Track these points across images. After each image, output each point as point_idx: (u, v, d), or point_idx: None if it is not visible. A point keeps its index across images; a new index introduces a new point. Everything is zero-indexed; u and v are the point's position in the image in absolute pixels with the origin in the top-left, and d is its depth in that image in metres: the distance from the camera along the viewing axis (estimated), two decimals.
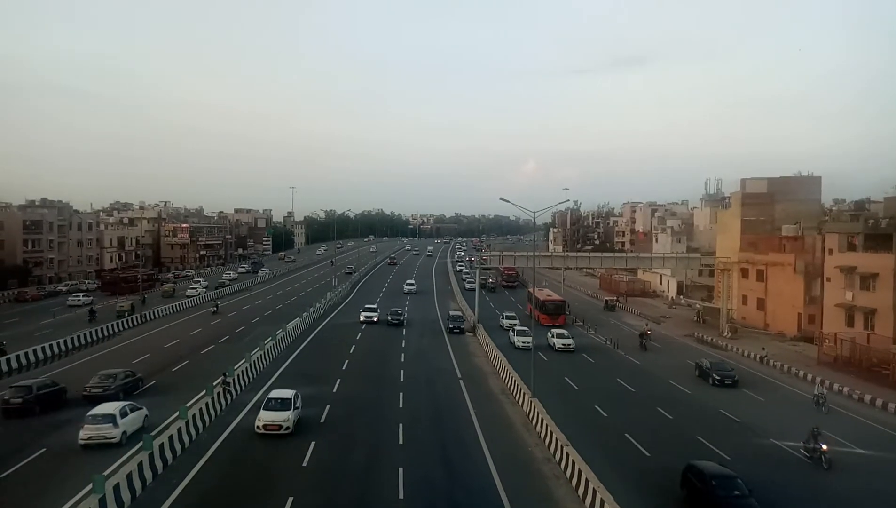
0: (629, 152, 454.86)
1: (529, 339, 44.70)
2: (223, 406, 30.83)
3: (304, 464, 23.99)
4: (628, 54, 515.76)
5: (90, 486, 19.07)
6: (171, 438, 24.13)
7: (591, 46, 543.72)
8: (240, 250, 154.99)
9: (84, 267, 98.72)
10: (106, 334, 51.19)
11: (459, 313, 64.46)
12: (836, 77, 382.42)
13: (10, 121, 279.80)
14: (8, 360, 39.41)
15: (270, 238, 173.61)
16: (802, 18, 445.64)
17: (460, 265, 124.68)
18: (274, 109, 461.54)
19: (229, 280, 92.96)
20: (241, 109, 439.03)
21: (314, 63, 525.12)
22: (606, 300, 79.90)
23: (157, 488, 21.24)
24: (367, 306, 63.35)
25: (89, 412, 25.71)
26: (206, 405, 28.96)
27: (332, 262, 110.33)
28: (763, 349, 49.98)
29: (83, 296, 71.64)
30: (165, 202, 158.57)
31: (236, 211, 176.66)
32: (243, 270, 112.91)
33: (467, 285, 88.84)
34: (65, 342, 45.49)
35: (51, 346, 43.57)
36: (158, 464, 22.58)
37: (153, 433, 24.41)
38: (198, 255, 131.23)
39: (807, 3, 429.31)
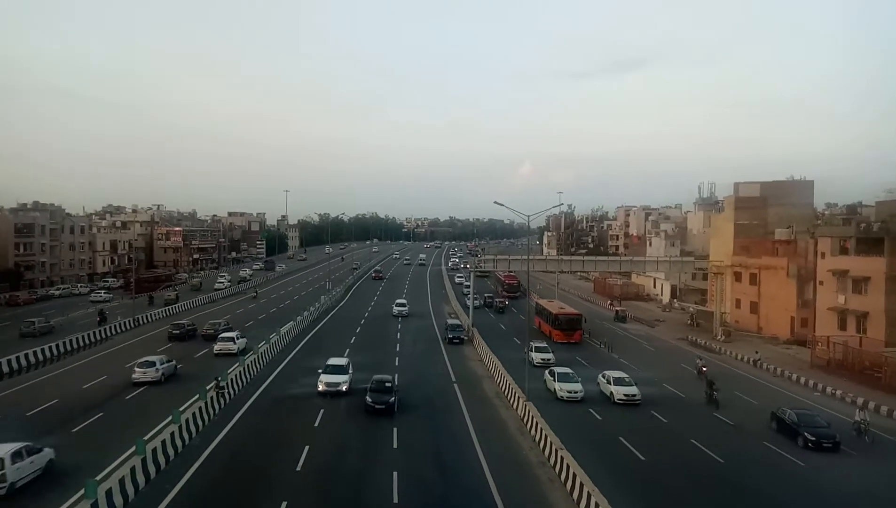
0: (624, 156, 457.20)
1: (578, 387, 35.61)
2: (216, 411, 30.70)
3: (298, 468, 23.88)
4: (623, 58, 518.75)
5: (82, 491, 18.91)
6: (163, 442, 23.99)
7: (587, 49, 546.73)
8: (233, 254, 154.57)
9: (76, 271, 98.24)
10: (175, 311, 67.49)
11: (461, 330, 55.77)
12: (829, 82, 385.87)
13: (1, 122, 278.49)
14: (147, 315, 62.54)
15: (264, 242, 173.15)
16: (798, 23, 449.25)
17: (459, 277, 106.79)
18: (268, 112, 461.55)
19: (248, 276, 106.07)
20: (235, 112, 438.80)
21: (308, 66, 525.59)
22: (616, 311, 72.93)
23: (150, 493, 21.09)
24: (330, 363, 36.68)
25: (219, 337, 46.55)
26: (200, 409, 28.82)
27: (342, 258, 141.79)
28: (756, 352, 50.15)
29: (104, 293, 78.87)
30: (158, 205, 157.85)
31: (230, 214, 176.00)
32: (258, 267, 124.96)
33: (470, 301, 68.62)
34: (146, 317, 62.08)
35: (148, 316, 62.34)
36: (151, 469, 22.44)
37: (146, 438, 24.23)
38: (191, 258, 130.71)
39: (802, 8, 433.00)
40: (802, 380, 42.23)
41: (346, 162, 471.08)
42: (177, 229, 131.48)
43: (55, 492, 20.57)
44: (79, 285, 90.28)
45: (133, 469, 21.20)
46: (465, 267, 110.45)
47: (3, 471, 20.44)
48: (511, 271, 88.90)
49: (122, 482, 20.17)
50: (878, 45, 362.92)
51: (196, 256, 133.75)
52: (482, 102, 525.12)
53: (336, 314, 68.76)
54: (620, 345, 54.68)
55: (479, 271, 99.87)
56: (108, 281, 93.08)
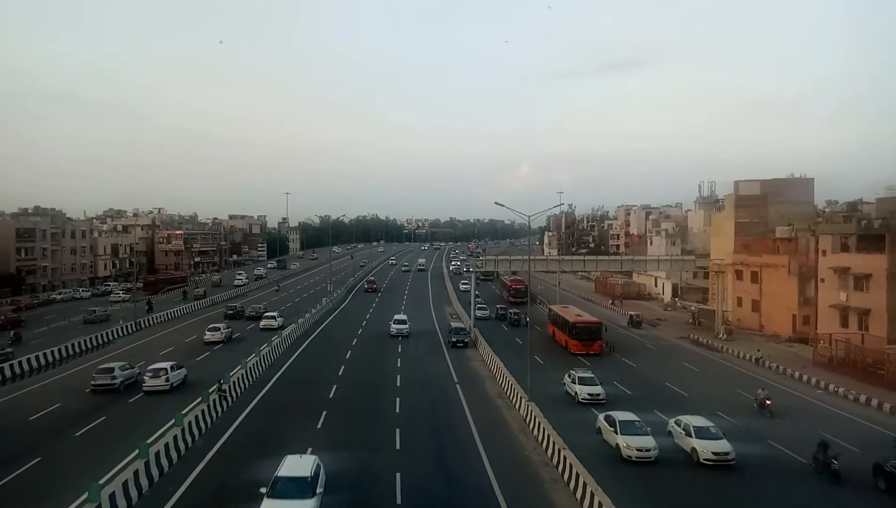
0: (624, 155, 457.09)
1: (651, 442, 25.93)
2: (219, 413, 30.74)
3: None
4: (623, 58, 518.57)
5: (86, 494, 18.95)
6: (166, 445, 24.04)
7: (586, 50, 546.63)
8: (234, 257, 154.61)
9: (78, 275, 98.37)
10: (210, 303, 78.08)
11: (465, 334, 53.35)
12: (828, 81, 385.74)
13: (1, 127, 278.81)
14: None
15: (265, 244, 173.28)
16: (797, 22, 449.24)
17: (465, 284, 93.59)
18: (269, 115, 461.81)
19: (264, 274, 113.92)
20: (236, 115, 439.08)
21: (307, 69, 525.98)
22: (631, 316, 66.72)
23: (153, 496, 21.13)
24: (282, 474, 19.92)
25: (264, 315, 60.29)
26: (203, 412, 28.88)
27: (351, 256, 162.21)
28: (758, 350, 50.11)
29: (123, 293, 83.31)
30: (159, 209, 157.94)
31: (231, 217, 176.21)
32: (271, 266, 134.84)
33: (479, 313, 63.92)
34: (184, 309, 71.88)
35: (189, 307, 74.00)
36: (154, 472, 22.47)
37: (149, 442, 24.26)
38: (192, 262, 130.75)
39: (800, 8, 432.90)
40: (805, 378, 42.21)
41: (347, 164, 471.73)
42: (178, 232, 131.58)
43: (188, 393, 34.51)
44: (80, 289, 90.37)
45: (136, 473, 21.23)
46: (468, 271, 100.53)
47: (167, 375, 35.87)
48: (517, 276, 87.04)
49: (125, 485, 20.21)
50: (875, 45, 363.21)
51: (197, 259, 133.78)
52: (482, 103, 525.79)
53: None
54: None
55: (483, 275, 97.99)
56: (127, 284, 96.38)
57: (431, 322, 65.80)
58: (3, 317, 61.04)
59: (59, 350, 45.84)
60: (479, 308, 66.90)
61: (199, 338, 51.52)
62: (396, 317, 59.06)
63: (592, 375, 36.88)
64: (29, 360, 42.34)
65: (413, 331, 56.85)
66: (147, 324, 61.40)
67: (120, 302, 77.32)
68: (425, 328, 61.29)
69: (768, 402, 34.17)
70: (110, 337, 53.64)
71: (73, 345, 47.75)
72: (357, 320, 66.40)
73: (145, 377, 35.62)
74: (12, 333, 52.95)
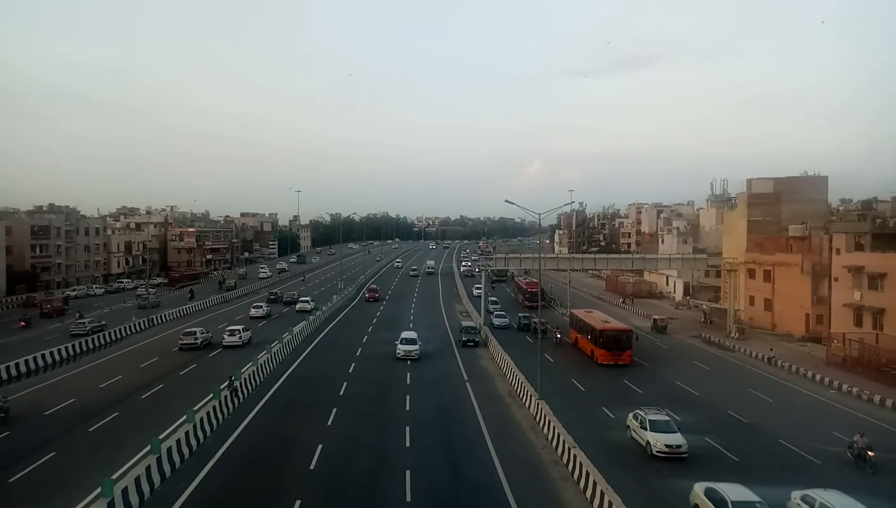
0: (634, 153, 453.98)
1: None
2: (230, 410, 30.96)
3: (312, 467, 24.03)
4: (633, 55, 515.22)
5: (98, 489, 19.17)
6: (178, 441, 24.25)
7: (595, 47, 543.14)
8: (246, 254, 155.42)
9: (91, 272, 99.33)
10: (242, 293, 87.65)
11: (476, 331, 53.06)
12: (841, 75, 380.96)
13: (16, 127, 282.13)
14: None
15: (276, 242, 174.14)
16: (807, 16, 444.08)
17: (478, 288, 76.20)
18: (280, 114, 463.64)
19: (286, 267, 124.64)
20: (247, 114, 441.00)
21: (317, 68, 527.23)
22: (655, 320, 62.64)
23: (165, 491, 21.34)
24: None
25: (299, 300, 72.76)
26: (214, 408, 29.10)
27: (368, 251, 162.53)
28: (771, 349, 49.72)
29: (150, 287, 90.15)
30: (172, 207, 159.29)
31: (242, 215, 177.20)
32: (293, 261, 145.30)
33: (497, 321, 60.75)
34: (219, 297, 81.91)
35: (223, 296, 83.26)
36: (166, 468, 22.68)
37: (161, 437, 24.51)
38: (204, 259, 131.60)
39: (812, 3, 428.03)
40: (818, 377, 41.83)
41: (357, 162, 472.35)
42: (190, 229, 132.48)
43: (254, 347, 46.25)
44: (94, 286, 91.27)
45: (148, 468, 21.44)
46: (479, 271, 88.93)
47: (240, 335, 48.98)
48: (529, 278, 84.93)
49: (137, 480, 20.42)
50: (888, 37, 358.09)
51: (209, 256, 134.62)
52: (491, 101, 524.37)
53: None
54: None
55: (496, 275, 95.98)
56: (156, 279, 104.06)
57: (445, 336, 56.15)
58: (50, 306, 69.22)
59: (135, 325, 57.62)
60: (498, 315, 63.09)
61: (246, 316, 64.49)
62: (404, 335, 47.20)
63: (668, 417, 27.95)
64: (113, 331, 53.72)
65: (426, 352, 46.56)
66: (192, 310, 71.17)
67: (148, 296, 78.78)
68: (436, 346, 50.68)
69: (871, 454, 25.72)
70: (168, 318, 64.54)
71: (144, 321, 59.28)
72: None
73: (224, 336, 49.19)
74: (77, 314, 61.81)
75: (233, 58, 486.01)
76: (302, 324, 55.51)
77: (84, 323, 54.52)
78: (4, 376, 38.85)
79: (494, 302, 66.11)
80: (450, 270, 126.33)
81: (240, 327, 50.79)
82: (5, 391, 33.58)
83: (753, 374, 44.18)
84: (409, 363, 44.00)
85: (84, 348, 48.07)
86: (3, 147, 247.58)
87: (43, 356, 43.12)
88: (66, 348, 46.19)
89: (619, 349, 44.98)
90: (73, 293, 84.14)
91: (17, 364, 40.53)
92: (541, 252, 53.53)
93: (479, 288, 74.41)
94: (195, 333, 48.71)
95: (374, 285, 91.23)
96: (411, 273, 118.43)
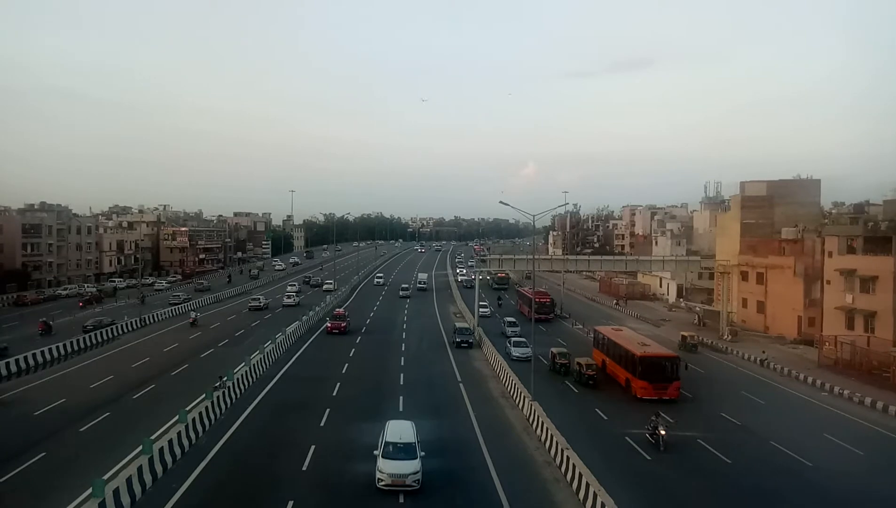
0: (629, 155, 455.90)
1: None
2: (223, 410, 30.80)
3: (304, 468, 23.94)
4: (628, 57, 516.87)
5: (90, 490, 19.02)
6: (170, 442, 24.10)
7: (591, 49, 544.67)
8: (239, 254, 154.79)
9: (83, 271, 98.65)
10: (264, 282, 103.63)
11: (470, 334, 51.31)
12: (836, 80, 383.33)
13: (8, 124, 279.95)
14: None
15: (270, 242, 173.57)
16: (803, 22, 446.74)
17: (483, 307, 66.36)
18: (274, 113, 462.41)
19: (300, 261, 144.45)
20: (240, 113, 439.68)
21: (312, 67, 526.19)
22: (684, 337, 52.86)
23: (157, 492, 21.20)
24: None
25: (324, 282, 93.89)
26: (206, 408, 28.95)
27: (375, 248, 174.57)
28: (763, 352, 49.91)
29: (166, 282, 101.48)
30: (165, 206, 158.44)
31: (235, 215, 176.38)
32: (306, 255, 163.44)
33: (517, 352, 46.10)
34: (244, 286, 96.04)
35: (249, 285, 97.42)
36: (158, 468, 22.53)
37: (153, 437, 24.36)
38: (197, 258, 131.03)
39: (807, 7, 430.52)
40: (810, 380, 42.02)
41: (352, 162, 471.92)
42: (183, 229, 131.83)
43: (303, 307, 68.24)
44: (85, 285, 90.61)
45: (140, 469, 21.30)
46: (475, 277, 73.46)
47: (295, 297, 75.88)
48: (539, 287, 73.94)
49: (129, 481, 20.28)
50: (882, 43, 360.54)
51: (202, 256, 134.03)
52: (487, 102, 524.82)
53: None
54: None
55: (497, 283, 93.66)
56: (174, 275, 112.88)
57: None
58: (89, 295, 77.60)
59: (204, 301, 76.67)
60: (517, 343, 47.79)
61: (283, 294, 79.56)
62: (392, 427, 24.57)
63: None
64: (207, 298, 78.47)
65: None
66: (237, 292, 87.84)
67: (164, 289, 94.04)
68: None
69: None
70: (223, 297, 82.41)
71: (210, 298, 79.27)
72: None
73: (284, 297, 74.53)
74: (174, 295, 78.68)
75: (228, 57, 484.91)
76: (296, 324, 55.13)
77: (180, 295, 78.19)
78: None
79: (512, 323, 56.09)
80: (445, 282, 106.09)
81: (295, 290, 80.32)
82: None
83: (745, 376, 44.34)
84: (402, 362, 43.71)
85: (184, 309, 68.63)
86: None
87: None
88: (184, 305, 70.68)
89: (663, 381, 36.19)
90: (64, 292, 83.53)
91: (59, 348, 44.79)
92: (535, 253, 53.43)
93: (485, 307, 67.76)
94: (259, 299, 72.19)
95: (342, 310, 62.26)
96: (401, 293, 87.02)
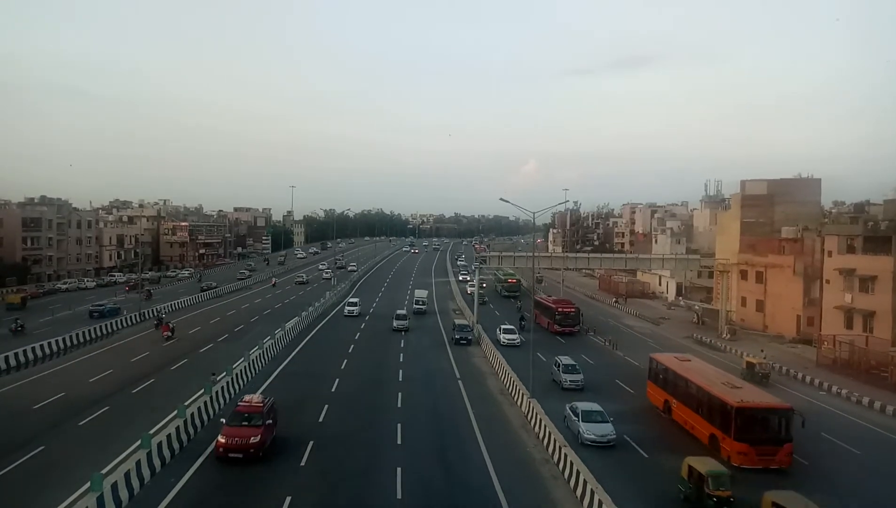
0: (629, 153, 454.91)
1: None
2: (221, 405, 30.83)
3: (302, 464, 23.98)
4: (629, 55, 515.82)
5: (88, 484, 19.04)
6: (168, 437, 24.12)
7: (592, 47, 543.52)
8: (239, 249, 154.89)
9: (83, 265, 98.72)
10: (288, 269, 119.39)
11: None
12: (837, 80, 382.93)
13: (8, 119, 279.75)
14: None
15: (270, 237, 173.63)
16: (805, 22, 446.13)
17: (509, 333, 51.20)
18: (275, 109, 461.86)
19: (319, 251, 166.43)
20: (240, 108, 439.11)
21: (313, 62, 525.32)
22: (750, 364, 41.31)
23: (155, 486, 21.22)
24: None
25: (348, 265, 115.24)
26: (205, 403, 28.99)
27: (389, 241, 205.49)
28: (762, 350, 49.87)
29: (186, 273, 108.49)
30: (165, 201, 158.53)
31: (236, 210, 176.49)
32: (315, 249, 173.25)
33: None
34: (273, 270, 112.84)
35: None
36: (156, 463, 22.55)
37: (151, 432, 24.40)
38: (197, 253, 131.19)
39: (809, 8, 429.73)
40: (808, 379, 42.06)
41: (352, 159, 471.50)
42: (183, 223, 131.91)
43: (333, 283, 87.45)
44: (85, 279, 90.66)
45: (138, 463, 21.32)
46: (473, 275, 71.18)
47: (330, 274, 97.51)
48: (561, 297, 68.68)
49: (127, 475, 20.30)
50: (884, 44, 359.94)
51: (202, 250, 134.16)
52: (488, 99, 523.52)
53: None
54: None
55: (507, 291, 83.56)
56: (186, 268, 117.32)
57: None
58: (135, 281, 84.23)
59: (249, 281, 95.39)
60: (507, 331, 46.85)
61: (320, 274, 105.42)
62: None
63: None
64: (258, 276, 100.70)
65: None
66: (276, 273, 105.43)
67: (186, 279, 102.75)
68: None
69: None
70: (263, 278, 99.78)
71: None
72: None
73: (323, 273, 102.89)
74: (248, 265, 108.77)
75: (228, 53, 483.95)
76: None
77: (245, 271, 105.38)
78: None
79: (572, 368, 38.00)
80: (447, 291, 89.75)
81: (330, 269, 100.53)
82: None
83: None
84: (401, 359, 43.80)
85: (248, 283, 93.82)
86: None
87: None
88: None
89: (772, 443, 25.29)
90: (64, 286, 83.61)
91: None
92: (535, 251, 53.25)
93: (510, 333, 50.91)
94: (303, 276, 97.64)
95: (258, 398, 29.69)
96: (395, 326, 56.75)
